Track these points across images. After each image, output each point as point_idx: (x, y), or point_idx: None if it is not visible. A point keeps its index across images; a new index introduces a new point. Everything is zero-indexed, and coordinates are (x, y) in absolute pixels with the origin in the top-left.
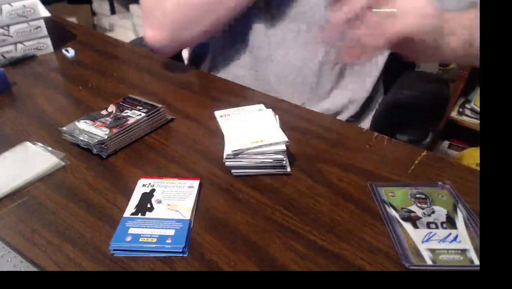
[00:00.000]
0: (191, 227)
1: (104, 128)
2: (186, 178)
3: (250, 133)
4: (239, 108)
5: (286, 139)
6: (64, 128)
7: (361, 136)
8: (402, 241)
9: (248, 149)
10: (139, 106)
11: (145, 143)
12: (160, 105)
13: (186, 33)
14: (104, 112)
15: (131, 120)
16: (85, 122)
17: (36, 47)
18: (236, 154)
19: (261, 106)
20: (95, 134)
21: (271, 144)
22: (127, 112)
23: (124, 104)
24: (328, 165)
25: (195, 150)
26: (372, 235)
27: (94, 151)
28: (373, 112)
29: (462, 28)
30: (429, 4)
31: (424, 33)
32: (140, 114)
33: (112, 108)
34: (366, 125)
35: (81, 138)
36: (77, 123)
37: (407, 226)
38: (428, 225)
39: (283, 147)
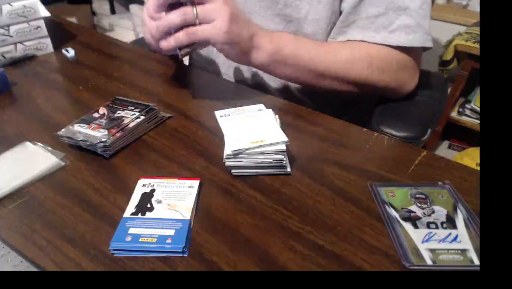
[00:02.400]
0: (191, 227)
1: (102, 130)
2: (186, 178)
3: (250, 133)
4: (239, 108)
5: (286, 139)
6: (60, 132)
7: (361, 136)
8: (402, 241)
9: (248, 148)
10: (130, 106)
11: (145, 143)
12: (151, 104)
13: None
14: (96, 115)
15: (127, 120)
16: (79, 126)
17: (36, 47)
18: (236, 154)
19: (261, 106)
20: (94, 136)
21: (271, 144)
22: (119, 113)
23: (114, 106)
24: (328, 165)
25: (195, 150)
26: (372, 235)
27: (99, 151)
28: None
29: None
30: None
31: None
32: (134, 114)
33: (103, 110)
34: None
35: (82, 139)
36: (71, 127)
37: (407, 226)
38: (428, 225)
39: (283, 147)
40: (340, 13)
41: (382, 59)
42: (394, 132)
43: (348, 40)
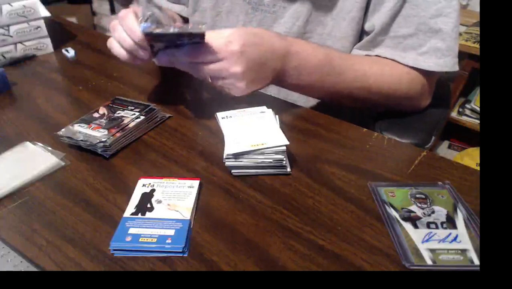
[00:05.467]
0: (191, 227)
1: (102, 130)
2: (186, 178)
3: (250, 135)
4: (241, 110)
5: (287, 142)
6: (60, 132)
7: (361, 136)
8: (402, 241)
9: (248, 152)
10: (130, 106)
11: (145, 143)
12: (151, 104)
13: None
14: (96, 115)
15: (126, 120)
16: (79, 126)
17: (36, 47)
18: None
19: (263, 108)
20: (94, 136)
21: (271, 147)
22: (119, 113)
23: (114, 106)
24: (328, 165)
25: (195, 150)
26: (372, 235)
27: (99, 151)
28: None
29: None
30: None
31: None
32: (134, 114)
33: (103, 110)
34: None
35: (82, 139)
36: (71, 127)
37: (407, 226)
38: (428, 225)
39: (283, 147)
40: (363, 31)
41: (409, 82)
42: (398, 139)
43: (377, 56)
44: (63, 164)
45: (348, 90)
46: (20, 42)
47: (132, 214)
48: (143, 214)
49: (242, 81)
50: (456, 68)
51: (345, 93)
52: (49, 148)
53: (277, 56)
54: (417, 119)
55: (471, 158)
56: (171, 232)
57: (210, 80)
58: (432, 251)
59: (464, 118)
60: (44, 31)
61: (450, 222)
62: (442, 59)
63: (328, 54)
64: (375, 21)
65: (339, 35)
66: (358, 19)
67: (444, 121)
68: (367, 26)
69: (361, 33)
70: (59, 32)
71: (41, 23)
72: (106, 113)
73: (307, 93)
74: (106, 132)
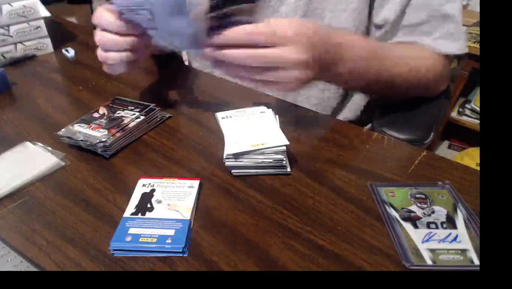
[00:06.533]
0: (191, 227)
1: (102, 130)
2: (186, 178)
3: (250, 136)
4: (241, 110)
5: (287, 142)
6: (60, 132)
7: (361, 136)
8: (402, 241)
9: (248, 152)
10: (130, 106)
11: (145, 143)
12: (151, 104)
13: None
14: (96, 115)
15: (126, 120)
16: (79, 126)
17: (36, 47)
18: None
19: (263, 108)
20: (94, 136)
21: (271, 147)
22: (119, 113)
23: (114, 106)
24: (328, 165)
25: (195, 149)
26: (372, 235)
27: (99, 151)
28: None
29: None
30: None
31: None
32: (134, 114)
33: (103, 110)
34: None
35: (82, 139)
36: (71, 127)
37: (407, 226)
38: (428, 225)
39: (283, 147)
40: (370, 24)
41: (439, 63)
42: (396, 135)
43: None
44: (63, 164)
45: (389, 76)
46: (20, 42)
47: (132, 214)
48: (143, 214)
49: (306, 71)
50: (466, 50)
51: (386, 80)
52: (49, 148)
53: (332, 45)
54: (416, 115)
55: (471, 158)
56: (171, 232)
57: (258, 77)
58: (432, 251)
59: (464, 118)
60: (44, 31)
61: (450, 222)
62: (455, 42)
63: (365, 40)
64: (386, 14)
65: (339, 27)
66: (360, 10)
67: (444, 117)
68: (378, 20)
69: (369, 26)
70: (59, 32)
71: (41, 23)
72: (106, 113)
73: (349, 83)
74: (106, 132)
